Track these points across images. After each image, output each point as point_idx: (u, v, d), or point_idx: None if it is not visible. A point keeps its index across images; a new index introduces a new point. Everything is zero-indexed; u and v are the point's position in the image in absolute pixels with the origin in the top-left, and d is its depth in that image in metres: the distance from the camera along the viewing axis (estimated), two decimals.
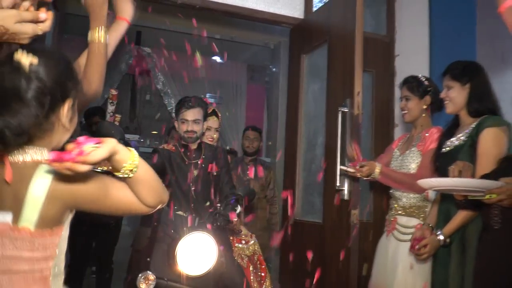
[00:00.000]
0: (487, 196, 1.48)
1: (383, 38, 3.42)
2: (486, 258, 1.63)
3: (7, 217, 0.94)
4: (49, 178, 0.95)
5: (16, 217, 0.94)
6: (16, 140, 0.94)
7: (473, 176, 1.75)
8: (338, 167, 2.51)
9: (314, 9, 3.36)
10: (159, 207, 1.08)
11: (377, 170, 2.25)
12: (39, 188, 0.94)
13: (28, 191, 0.94)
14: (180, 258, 1.72)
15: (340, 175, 2.52)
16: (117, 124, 3.58)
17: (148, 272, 1.64)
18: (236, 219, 2.47)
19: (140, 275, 1.63)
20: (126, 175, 0.97)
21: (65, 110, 1.01)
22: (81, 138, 0.88)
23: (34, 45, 1.02)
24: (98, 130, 1.82)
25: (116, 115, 3.69)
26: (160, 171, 2.43)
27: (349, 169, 2.36)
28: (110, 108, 2.81)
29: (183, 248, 1.73)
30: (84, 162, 0.87)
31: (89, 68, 1.29)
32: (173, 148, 2.56)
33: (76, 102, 1.06)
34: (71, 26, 4.19)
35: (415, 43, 3.27)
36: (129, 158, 0.96)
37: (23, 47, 0.98)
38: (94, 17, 1.30)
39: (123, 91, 6.03)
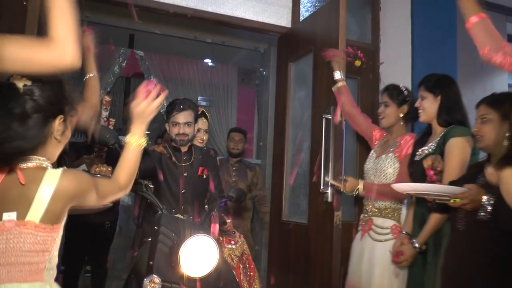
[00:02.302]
0: (452, 200, 1.64)
1: (368, 46, 3.54)
2: (452, 258, 1.78)
3: (12, 216, 1.09)
4: (56, 180, 1.13)
5: (24, 213, 1.10)
6: (12, 152, 1.09)
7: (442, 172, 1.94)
8: (322, 171, 2.65)
9: (301, 18, 3.48)
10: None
11: (360, 187, 2.39)
12: (48, 188, 1.11)
13: (38, 191, 1.11)
14: (183, 261, 1.73)
15: (324, 179, 2.66)
16: (112, 127, 3.69)
17: (154, 275, 1.68)
18: (229, 221, 2.55)
19: (145, 279, 1.67)
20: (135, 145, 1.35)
21: (56, 125, 1.18)
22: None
23: None
24: (93, 134, 1.90)
25: (110, 119, 3.80)
26: (150, 173, 2.49)
27: (335, 182, 2.50)
28: (104, 113, 2.91)
29: (186, 250, 1.74)
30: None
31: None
32: (163, 150, 2.59)
33: (69, 117, 1.23)
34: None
35: (398, 51, 3.38)
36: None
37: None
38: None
39: (117, 93, 6.12)
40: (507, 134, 1.65)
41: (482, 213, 1.61)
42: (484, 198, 1.61)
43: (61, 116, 1.19)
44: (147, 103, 1.37)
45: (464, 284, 1.69)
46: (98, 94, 1.75)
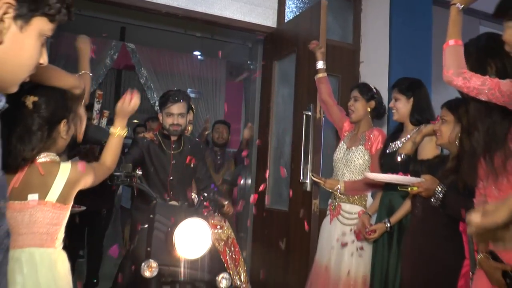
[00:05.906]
0: (409, 188, 1.92)
1: (349, 46, 3.77)
2: (410, 242, 2.05)
3: (35, 197, 1.44)
4: (68, 172, 1.50)
5: (44, 195, 1.45)
6: (30, 154, 1.44)
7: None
8: (302, 163, 2.89)
9: (286, 19, 3.69)
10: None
11: (342, 187, 2.60)
12: (62, 178, 1.48)
13: (55, 180, 1.47)
14: (178, 244, 1.82)
15: (304, 169, 2.90)
16: (106, 118, 3.87)
17: (150, 260, 1.79)
18: (227, 202, 2.59)
19: (143, 264, 1.78)
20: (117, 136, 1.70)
21: (62, 127, 1.53)
22: None
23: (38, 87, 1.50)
24: (86, 134, 2.04)
25: (104, 111, 3.96)
26: (138, 160, 2.61)
27: (316, 179, 2.70)
28: (97, 106, 3.09)
29: (180, 233, 1.83)
30: None
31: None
32: (153, 137, 2.71)
33: (71, 119, 1.57)
34: (71, 24, 4.39)
35: (377, 52, 3.61)
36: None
37: (29, 90, 1.47)
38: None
39: (108, 85, 6.27)
40: (459, 135, 1.91)
41: (433, 200, 1.87)
42: (438, 188, 1.87)
43: (65, 120, 1.53)
44: (128, 103, 1.73)
45: (417, 264, 1.96)
46: (89, 89, 1.91)
